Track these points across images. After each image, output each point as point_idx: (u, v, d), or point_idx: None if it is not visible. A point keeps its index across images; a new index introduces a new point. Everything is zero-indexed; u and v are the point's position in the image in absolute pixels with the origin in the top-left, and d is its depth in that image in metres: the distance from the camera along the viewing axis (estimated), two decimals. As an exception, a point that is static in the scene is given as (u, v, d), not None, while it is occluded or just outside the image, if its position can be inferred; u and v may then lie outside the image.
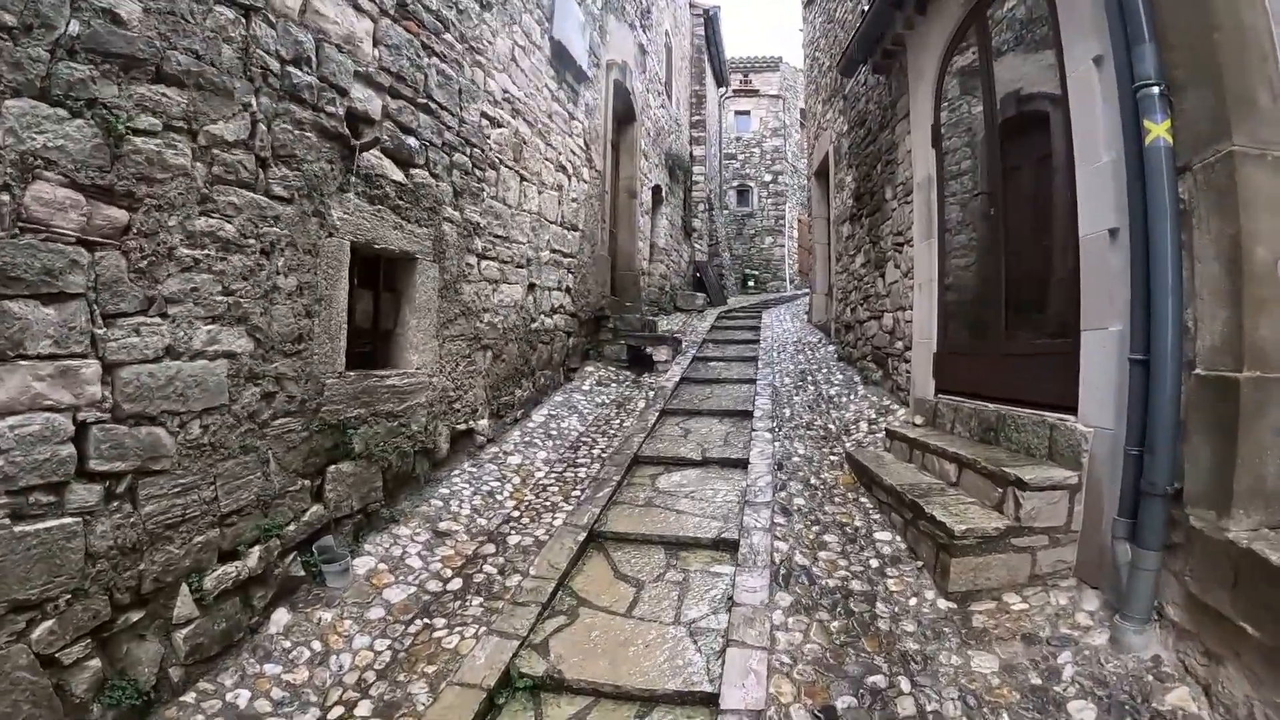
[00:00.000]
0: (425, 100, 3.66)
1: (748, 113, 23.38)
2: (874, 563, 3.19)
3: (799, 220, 22.46)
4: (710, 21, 15.38)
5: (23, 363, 1.90)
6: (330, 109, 2.96)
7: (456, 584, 3.13)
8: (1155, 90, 2.29)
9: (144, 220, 2.23)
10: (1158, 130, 2.28)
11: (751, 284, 20.73)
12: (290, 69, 2.75)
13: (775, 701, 2.32)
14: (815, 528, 3.55)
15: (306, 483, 2.95)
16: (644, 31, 9.32)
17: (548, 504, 3.92)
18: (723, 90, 19.74)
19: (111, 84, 2.13)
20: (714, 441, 4.99)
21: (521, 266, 5.00)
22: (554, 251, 5.70)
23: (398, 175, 3.45)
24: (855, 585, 3.02)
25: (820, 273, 9.33)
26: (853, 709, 2.28)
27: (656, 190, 10.96)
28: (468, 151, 4.13)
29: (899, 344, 5.10)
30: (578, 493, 4.06)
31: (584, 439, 5.04)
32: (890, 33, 4.78)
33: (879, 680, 2.40)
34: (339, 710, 2.37)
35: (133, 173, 2.19)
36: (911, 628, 2.67)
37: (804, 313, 11.11)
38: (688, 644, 2.74)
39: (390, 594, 3.00)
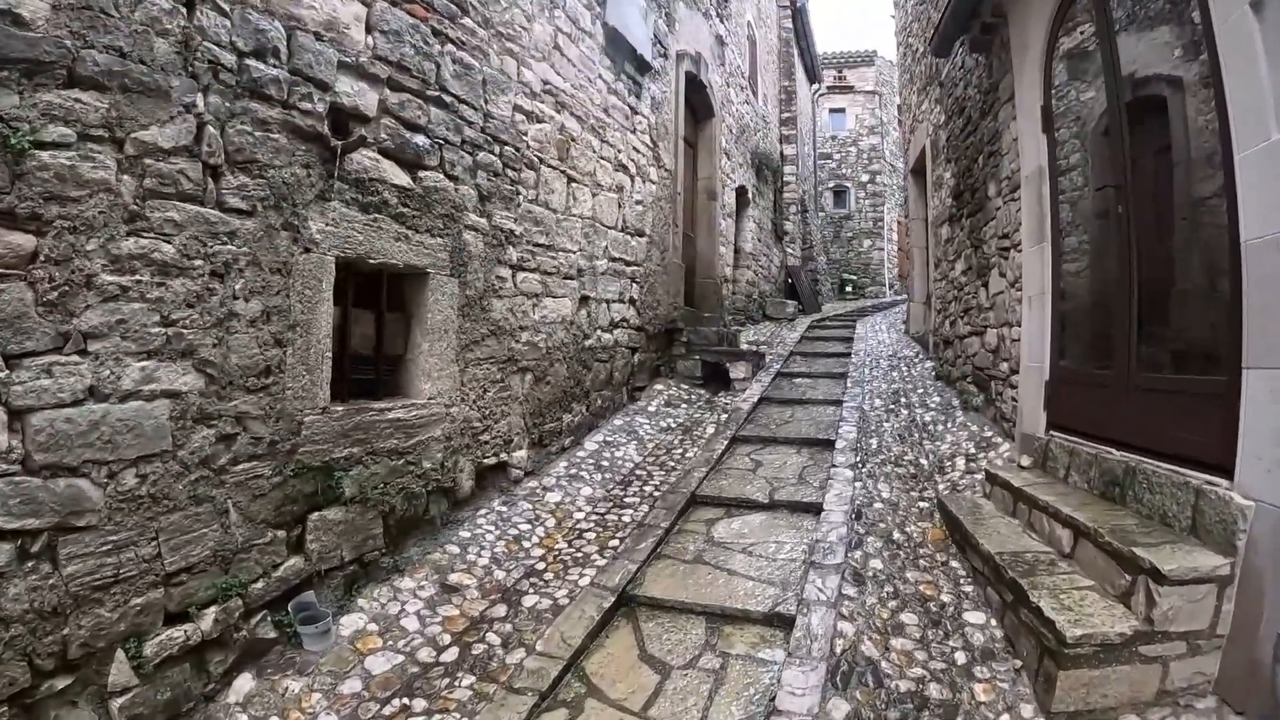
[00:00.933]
0: (437, 93, 3.25)
1: (843, 110, 22.46)
2: (960, 657, 2.44)
3: (898, 222, 21.05)
4: (799, 14, 14.42)
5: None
6: (305, 106, 2.59)
7: (452, 654, 2.65)
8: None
9: (54, 245, 1.93)
10: None
11: (849, 289, 19.72)
12: (250, 62, 2.40)
13: None
14: (892, 603, 2.79)
15: (280, 533, 2.58)
16: (721, 21, 8.66)
17: (579, 555, 3.38)
18: (815, 87, 18.86)
19: (10, 93, 1.84)
20: (786, 479, 4.26)
21: (571, 278, 4.52)
22: (614, 260, 5.18)
23: (401, 179, 3.05)
24: (933, 690, 2.29)
25: (918, 280, 8.36)
26: None
27: (741, 191, 10.28)
28: (496, 150, 3.69)
29: (1003, 366, 4.17)
30: (616, 541, 3.50)
31: (639, 471, 4.46)
32: (988, 1, 3.90)
33: None
34: (264, 832, 1.95)
35: (39, 192, 1.89)
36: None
37: (901, 322, 10.06)
38: (708, 773, 2.10)
39: (373, 662, 2.57)
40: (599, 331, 4.98)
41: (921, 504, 3.68)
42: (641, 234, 5.72)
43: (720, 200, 8.63)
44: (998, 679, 2.31)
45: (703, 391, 6.29)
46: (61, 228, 1.94)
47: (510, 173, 3.80)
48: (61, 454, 1.97)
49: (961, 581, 2.92)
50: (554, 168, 4.26)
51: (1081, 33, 3.20)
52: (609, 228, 5.08)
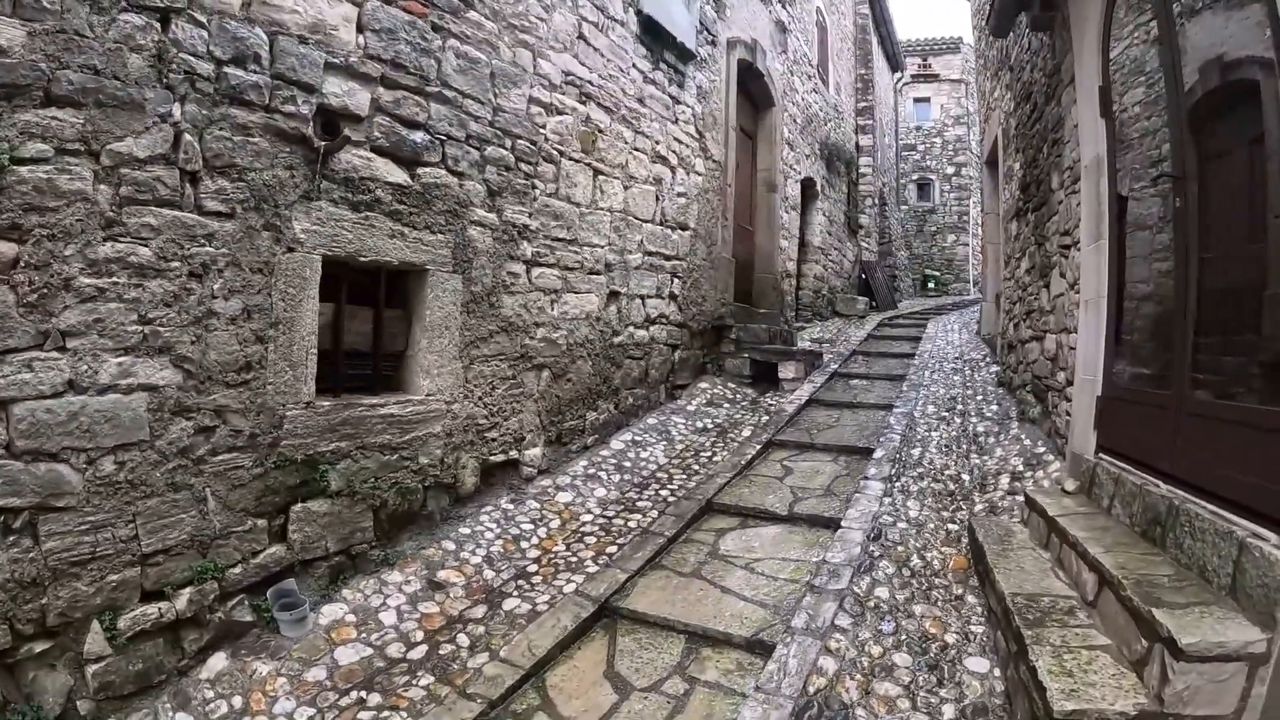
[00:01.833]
0: (438, 88, 3.26)
1: (927, 100, 21.61)
2: (948, 711, 2.21)
3: (983, 216, 19.60)
4: (875, -2, 13.55)
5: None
6: (289, 109, 2.65)
7: (420, 652, 2.68)
8: None
9: (34, 252, 2.08)
10: None
11: (931, 285, 18.93)
12: (230, 70, 2.48)
13: None
14: (888, 639, 2.54)
15: (260, 522, 2.68)
16: (783, 7, 8.26)
17: (573, 560, 3.33)
18: (897, 75, 18.10)
19: (-11, 116, 1.98)
20: (813, 489, 4.01)
21: (597, 273, 4.45)
22: (649, 254, 5.06)
23: (397, 176, 3.09)
24: (908, 753, 2.05)
25: (990, 277, 7.87)
26: None
27: (809, 183, 9.85)
28: (508, 144, 3.67)
29: (1060, 376, 3.72)
30: (615, 548, 3.42)
31: (660, 474, 4.35)
32: (1046, -26, 3.47)
33: None
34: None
35: (19, 204, 2.05)
36: None
37: (975, 322, 9.38)
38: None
39: (343, 653, 2.64)
40: (631, 328, 4.88)
41: (951, 526, 3.35)
42: (684, 227, 5.56)
43: (781, 192, 8.31)
44: (984, 744, 2.05)
45: (749, 391, 6.07)
46: (41, 235, 2.09)
47: (524, 166, 3.77)
48: (42, 441, 2.12)
49: (973, 620, 2.63)
50: (576, 160, 4.19)
51: (1140, 7, 2.77)
52: (644, 221, 4.97)
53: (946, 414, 5.15)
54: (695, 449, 4.76)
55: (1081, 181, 3.25)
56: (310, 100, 2.74)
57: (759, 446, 4.66)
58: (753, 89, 7.63)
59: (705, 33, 5.88)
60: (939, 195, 21.26)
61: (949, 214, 20.97)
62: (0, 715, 2.05)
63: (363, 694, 2.45)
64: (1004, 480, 3.70)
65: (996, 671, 2.33)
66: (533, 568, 3.27)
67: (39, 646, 2.15)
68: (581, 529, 3.64)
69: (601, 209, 4.46)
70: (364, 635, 2.74)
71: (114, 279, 2.24)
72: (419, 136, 3.18)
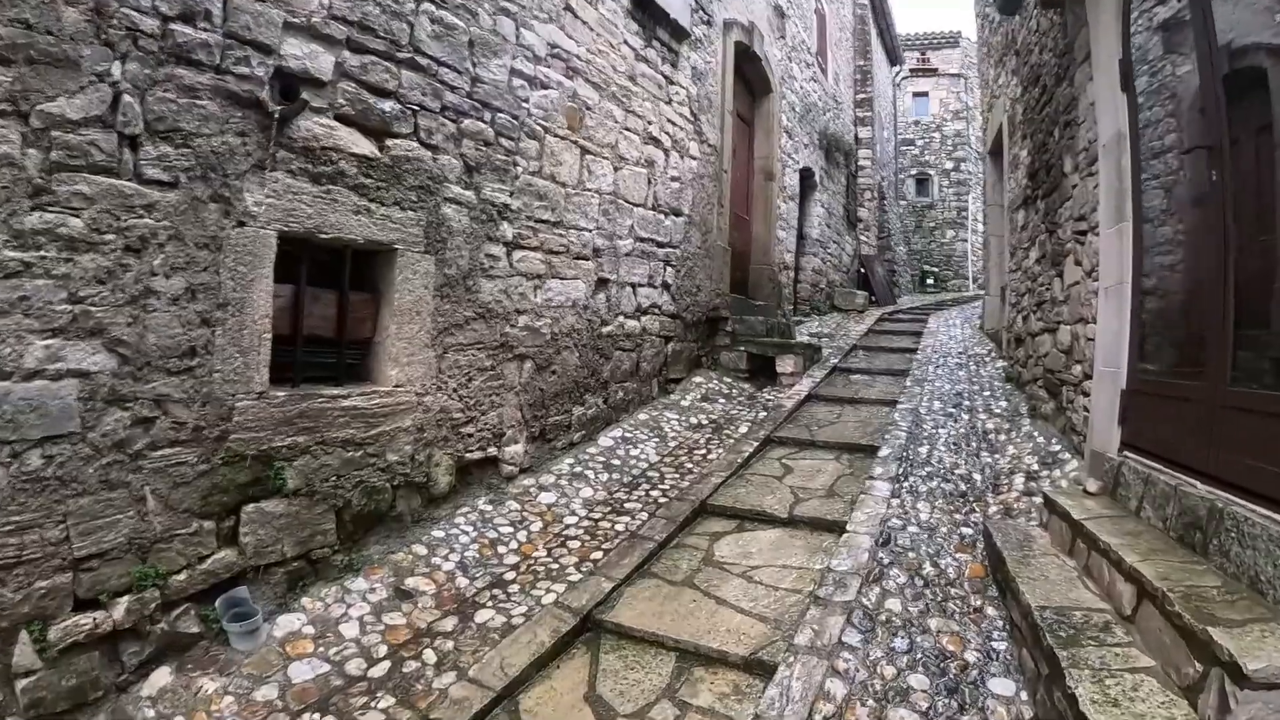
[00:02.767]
0: (410, 54, 3.05)
1: (926, 94, 21.92)
2: None
3: (982, 211, 20.07)
4: (874, -12, 13.60)
5: None
6: (241, 70, 2.45)
7: (382, 669, 2.48)
8: None
9: (-48, 223, 1.87)
10: None
11: (930, 281, 19.14)
12: (177, 27, 2.28)
13: None
14: (903, 658, 2.36)
15: (208, 524, 2.48)
16: None
17: (554, 567, 3.14)
18: (896, 69, 18.41)
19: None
20: (815, 489, 3.83)
21: (584, 258, 4.25)
22: (641, 240, 4.87)
23: (363, 147, 2.88)
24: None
25: (994, 272, 7.78)
26: None
27: (807, 174, 9.75)
28: (487, 117, 3.47)
29: (1076, 369, 3.56)
30: (600, 554, 3.23)
31: (651, 473, 4.17)
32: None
33: None
34: None
35: (-65, 168, 1.83)
36: None
37: (977, 317, 9.34)
38: None
39: (297, 670, 2.43)
40: (621, 318, 4.69)
41: (965, 530, 3.18)
42: (678, 213, 5.37)
43: (779, 181, 8.19)
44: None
45: (746, 386, 5.89)
46: (-43, 202, 1.88)
47: (505, 142, 3.57)
48: (-44, 433, 1.93)
49: (995, 636, 2.46)
50: (562, 138, 3.99)
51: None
52: (635, 205, 4.77)
53: (953, 410, 4.99)
54: (689, 446, 4.58)
55: (1100, 161, 3.08)
56: (267, 62, 2.54)
57: (756, 444, 4.48)
58: (750, 74, 7.48)
59: (701, 12, 5.69)
60: (938, 191, 21.50)
61: (948, 210, 21.13)
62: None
63: (316, 716, 2.26)
64: (1018, 480, 3.54)
65: (1024, 695, 2.15)
66: (510, 575, 3.08)
67: (-36, 658, 1.94)
68: (565, 533, 3.45)
69: (589, 190, 4.27)
70: (322, 649, 2.54)
71: (41, 252, 2.03)
72: (388, 105, 2.97)
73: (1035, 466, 3.62)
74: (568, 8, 4.00)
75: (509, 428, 3.78)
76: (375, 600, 2.82)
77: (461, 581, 3.00)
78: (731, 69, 6.48)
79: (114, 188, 2.17)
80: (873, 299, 11.86)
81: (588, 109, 4.21)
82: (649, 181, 4.93)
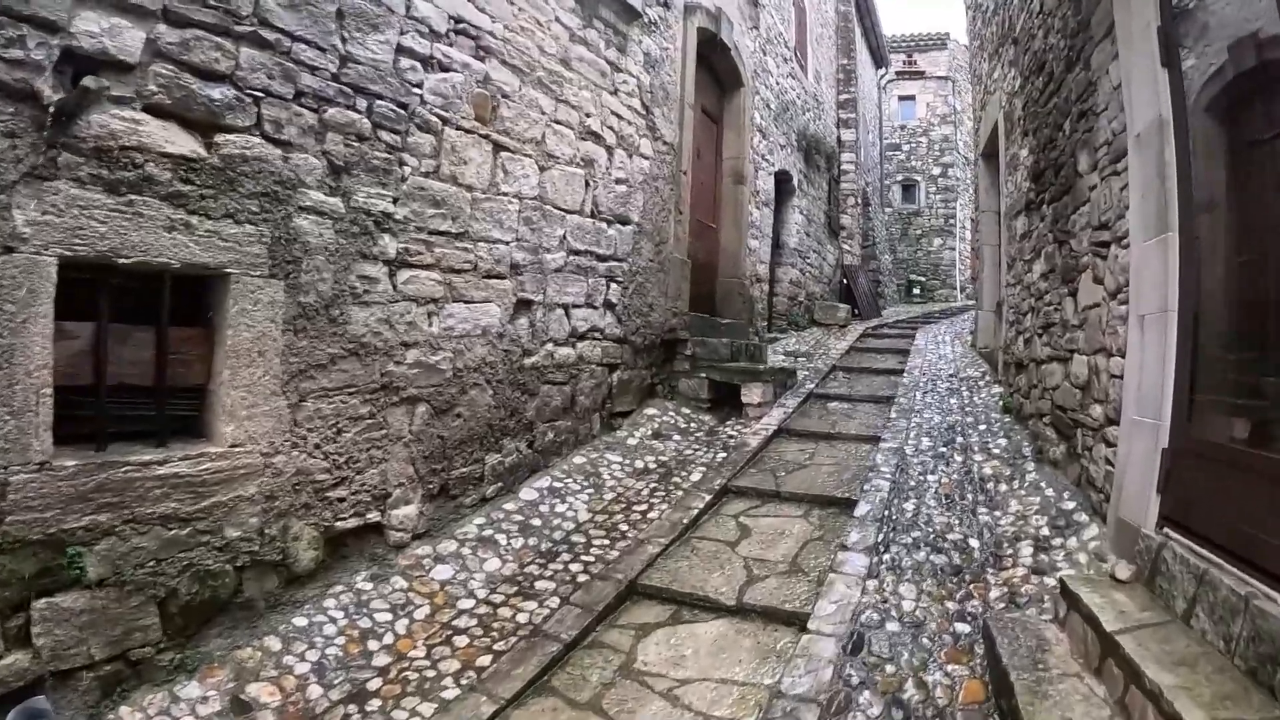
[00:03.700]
0: (252, 28, 2.57)
1: (912, 98, 22.45)
2: None
3: (970, 219, 21.31)
4: (858, -15, 13.82)
5: None
6: (14, 54, 1.99)
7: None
8: None
9: None
10: None
11: (916, 291, 19.59)
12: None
13: None
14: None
15: (-22, 629, 1.97)
16: None
17: (430, 674, 2.64)
18: (882, 72, 18.85)
19: None
20: (774, 562, 3.37)
21: (499, 276, 3.78)
22: (576, 253, 4.40)
23: (182, 145, 2.40)
24: None
25: (988, 283, 7.53)
26: None
27: (784, 177, 9.50)
28: (361, 105, 3.00)
29: (1096, 410, 3.16)
30: (490, 657, 2.74)
31: (577, 536, 3.68)
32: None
33: None
34: None
35: None
36: None
37: (968, 333, 9.17)
38: None
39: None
40: (550, 346, 4.21)
41: (959, 626, 2.72)
42: (625, 221, 4.91)
43: (751, 185, 7.86)
44: None
45: (706, 419, 5.43)
46: None
47: (386, 136, 3.10)
48: None
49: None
50: (468, 131, 3.52)
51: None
52: (568, 211, 4.31)
53: (945, 449, 4.57)
54: (629, 499, 4.10)
55: (1130, 157, 2.68)
56: (50, 43, 2.08)
57: (709, 496, 4.02)
58: (718, 65, 7.14)
59: (655, -13, 5.28)
60: (924, 197, 22.04)
61: (935, 217, 21.79)
62: None
63: None
64: (1025, 550, 3.11)
65: None
66: (375, 683, 2.58)
67: None
68: (455, 622, 2.95)
69: (506, 194, 3.79)
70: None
71: None
72: (220, 92, 2.49)
73: (1045, 530, 3.20)
74: (478, -25, 3.54)
75: (397, 486, 3.28)
76: (206, 714, 2.32)
77: (314, 690, 2.50)
78: (694, 57, 6.07)
79: None
80: (856, 312, 11.79)
81: (504, 97, 3.74)
82: (587, 184, 4.47)
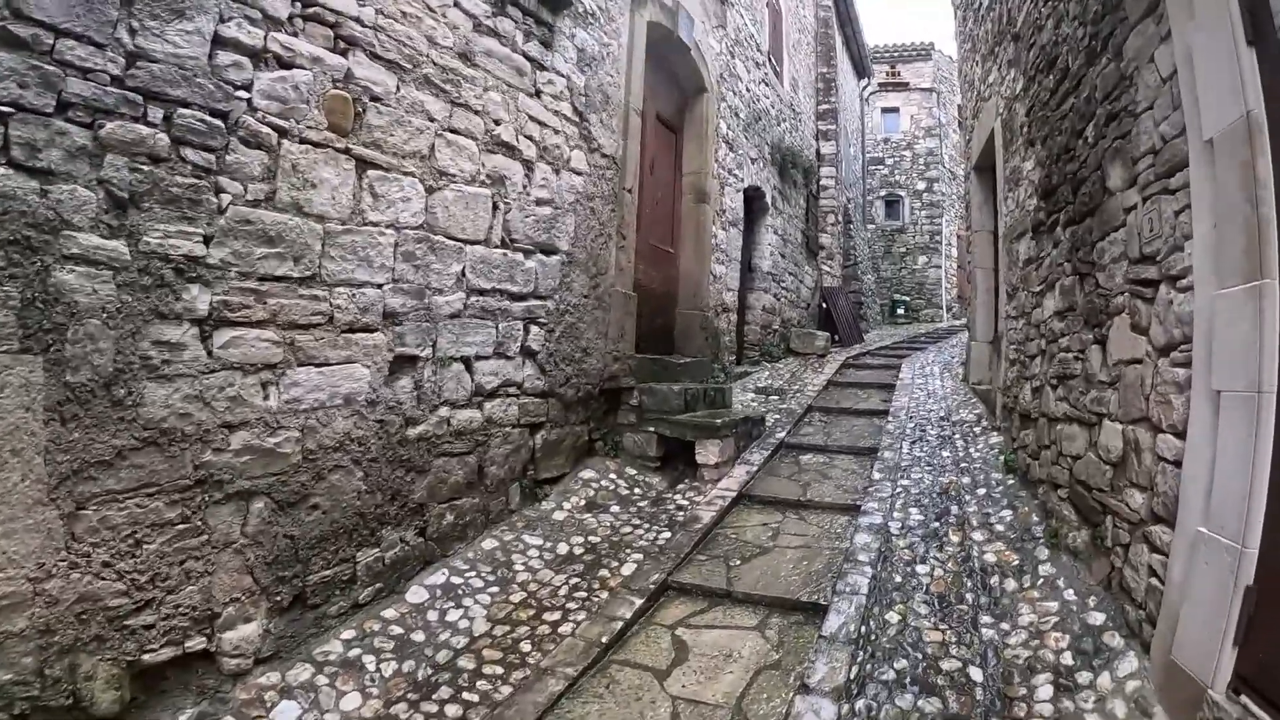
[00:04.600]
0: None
1: (896, 110, 22.96)
2: None
3: (957, 235, 21.93)
4: (840, -9, 13.94)
5: None
6: None
7: None
8: None
9: None
10: None
11: (901, 312, 20.08)
12: None
13: None
14: None
15: None
16: None
17: None
18: (864, 83, 19.04)
19: None
20: (714, 704, 2.78)
21: (366, 329, 3.20)
22: (481, 293, 3.83)
23: None
24: None
25: (982, 312, 7.17)
26: None
27: (756, 194, 9.17)
28: (157, 116, 2.42)
29: (1135, 498, 2.68)
30: None
31: (465, 660, 3.08)
32: None
33: None
34: None
35: None
36: None
37: (959, 363, 8.97)
38: None
39: None
40: (445, 409, 3.63)
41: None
42: (549, 250, 4.35)
43: (717, 203, 7.44)
44: None
45: (655, 481, 4.88)
46: None
47: (192, 154, 2.51)
48: None
49: None
50: (318, 144, 2.95)
51: None
52: (469, 242, 3.73)
53: (937, 523, 4.06)
54: (541, 601, 3.50)
55: (1193, 170, 2.20)
56: None
57: (639, 601, 3.43)
58: (677, 67, 6.72)
59: (591, -27, 4.77)
60: (909, 213, 22.59)
61: (920, 234, 22.01)
62: None
63: None
64: (1043, 689, 2.59)
65: None
66: None
67: None
68: (280, 805, 2.34)
69: (375, 224, 3.21)
70: None
71: None
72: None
73: (1068, 656, 2.67)
74: (335, -53, 2.97)
75: (229, 603, 2.69)
76: None
77: None
78: (642, 56, 5.57)
79: None
80: (836, 338, 11.59)
81: (374, 100, 3.18)
82: (495, 207, 3.90)
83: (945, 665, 2.81)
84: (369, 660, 2.98)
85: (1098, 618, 2.83)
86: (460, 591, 3.51)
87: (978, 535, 3.87)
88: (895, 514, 4.21)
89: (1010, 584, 3.36)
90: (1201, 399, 2.13)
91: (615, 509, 4.48)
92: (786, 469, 5.27)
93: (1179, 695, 2.11)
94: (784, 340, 10.07)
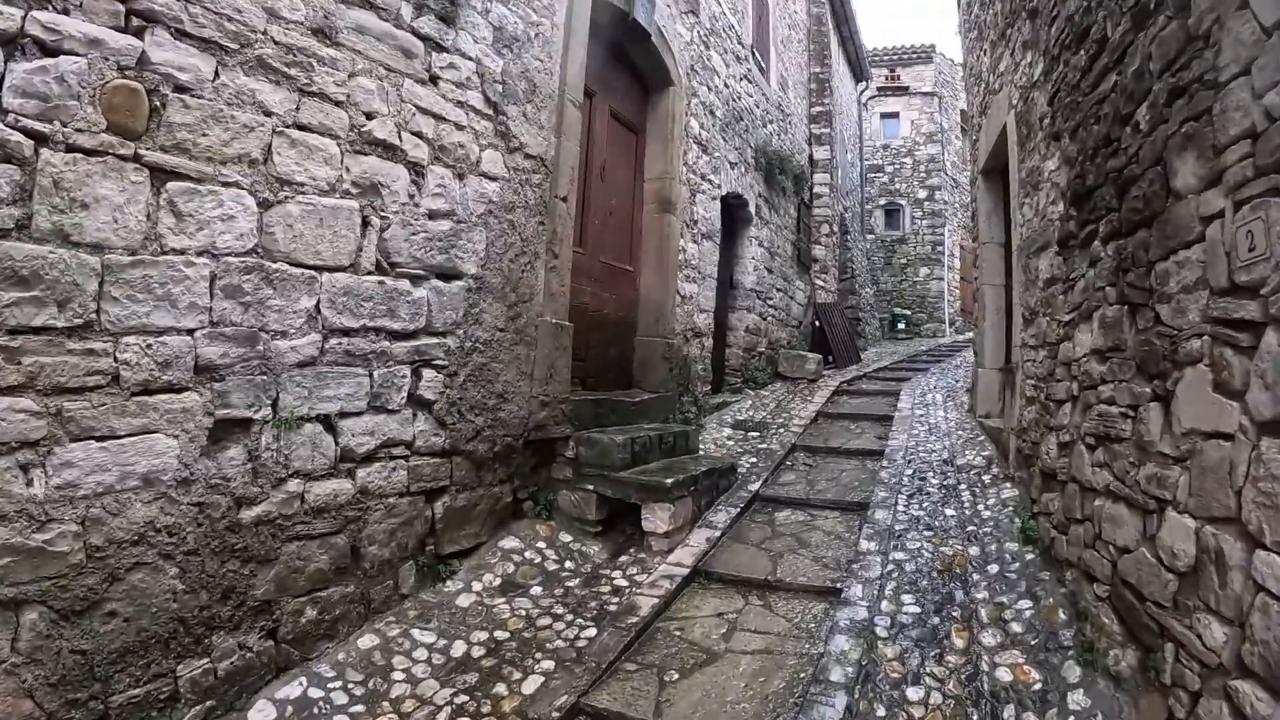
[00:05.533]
0: None
1: (896, 115, 23.35)
2: None
3: (960, 246, 22.01)
4: (835, -13, 13.97)
5: None
6: None
7: None
8: None
9: None
10: None
11: (902, 326, 20.44)
12: None
13: None
14: None
15: None
16: None
17: None
18: (862, 87, 19.15)
19: None
20: None
21: (172, 389, 2.67)
22: (346, 333, 3.31)
23: None
24: None
25: (991, 336, 6.77)
26: None
27: (738, 202, 8.84)
28: None
29: (1213, 631, 2.15)
30: None
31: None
32: None
33: None
34: None
35: None
36: None
37: (964, 390, 8.70)
38: None
39: None
40: (295, 481, 3.10)
41: None
42: (449, 275, 3.82)
43: (686, 213, 6.98)
44: None
45: (594, 550, 4.36)
46: None
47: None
48: None
49: None
50: (94, 152, 2.44)
51: None
52: (326, 269, 3.21)
53: (937, 619, 3.56)
54: (420, 727, 2.95)
55: None
56: None
57: (547, 726, 2.87)
58: (636, 57, 6.28)
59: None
60: (909, 222, 22.58)
61: (921, 244, 22.30)
62: None
63: None
64: None
65: None
66: None
67: None
68: None
69: (181, 252, 2.68)
70: None
71: None
72: None
73: None
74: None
75: (-27, 753, 2.16)
76: None
77: None
78: (584, 39, 5.08)
79: None
80: (829, 359, 11.28)
81: (180, 91, 2.67)
82: (366, 223, 3.38)
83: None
84: (168, 824, 2.45)
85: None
86: (317, 710, 2.96)
87: (988, 638, 3.30)
88: (884, 604, 3.66)
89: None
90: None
91: (537, 590, 3.93)
92: (757, 533, 4.74)
93: None
94: (771, 363, 9.71)
